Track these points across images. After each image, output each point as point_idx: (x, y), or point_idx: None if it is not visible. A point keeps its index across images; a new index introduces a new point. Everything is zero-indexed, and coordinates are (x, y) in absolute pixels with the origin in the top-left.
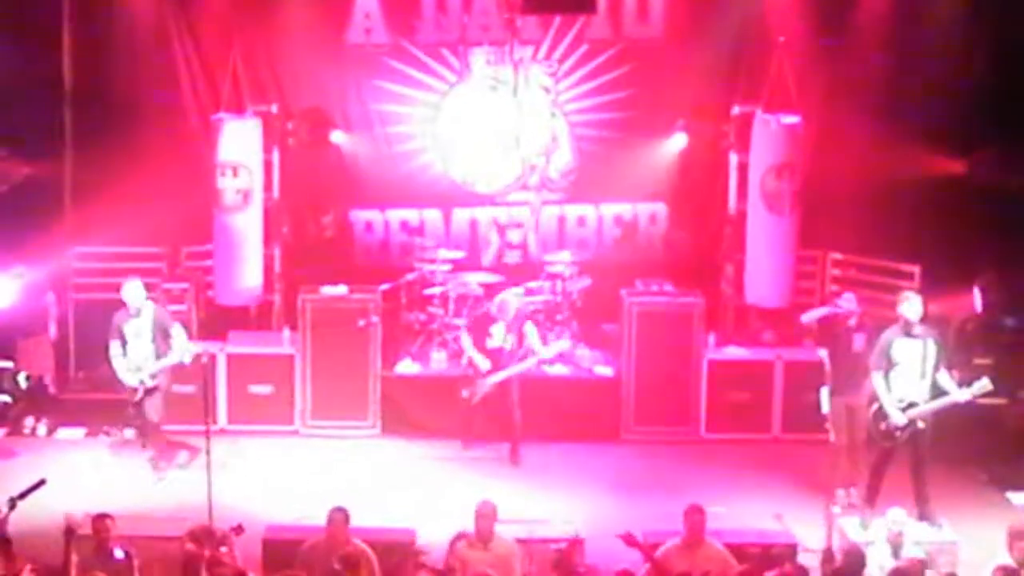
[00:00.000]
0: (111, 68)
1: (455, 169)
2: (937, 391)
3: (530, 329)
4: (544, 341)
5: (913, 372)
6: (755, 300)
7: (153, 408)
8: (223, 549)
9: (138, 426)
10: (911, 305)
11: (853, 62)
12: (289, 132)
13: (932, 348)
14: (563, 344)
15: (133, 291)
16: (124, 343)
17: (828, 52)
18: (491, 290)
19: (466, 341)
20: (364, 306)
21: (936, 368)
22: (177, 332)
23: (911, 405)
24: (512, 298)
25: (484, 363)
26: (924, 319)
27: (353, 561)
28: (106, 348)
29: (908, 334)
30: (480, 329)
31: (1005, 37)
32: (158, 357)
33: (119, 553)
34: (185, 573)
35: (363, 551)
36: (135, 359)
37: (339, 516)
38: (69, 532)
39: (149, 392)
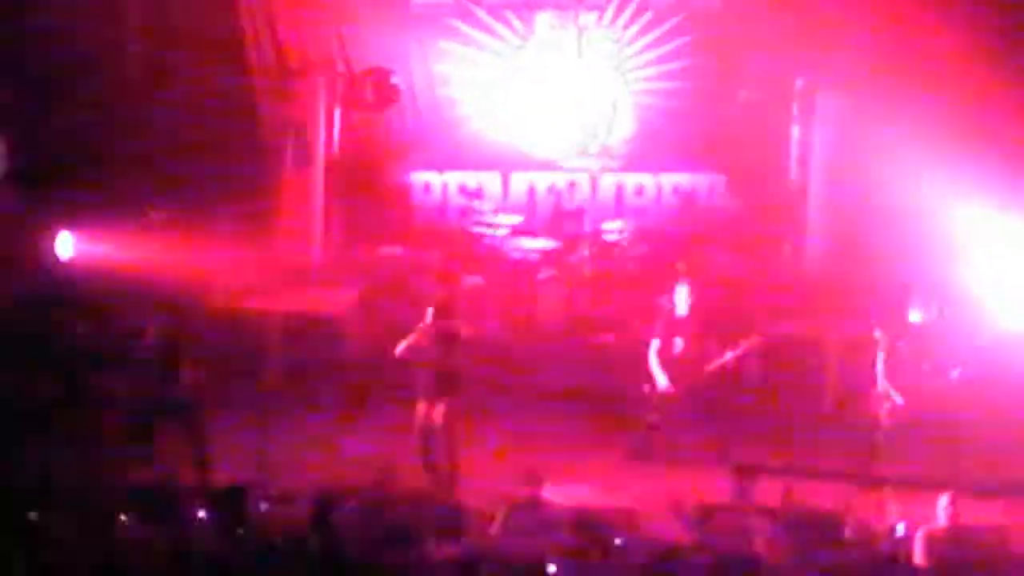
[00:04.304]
0: (176, 25)
1: (515, 133)
2: None
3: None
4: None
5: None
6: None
7: None
8: None
9: None
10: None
11: (918, 34)
12: (352, 92)
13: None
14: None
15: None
16: None
17: (893, 24)
18: (547, 256)
19: (652, 356)
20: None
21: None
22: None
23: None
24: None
25: (662, 379)
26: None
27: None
28: None
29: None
30: (663, 326)
31: None
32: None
33: None
34: None
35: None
36: None
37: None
38: None
39: None
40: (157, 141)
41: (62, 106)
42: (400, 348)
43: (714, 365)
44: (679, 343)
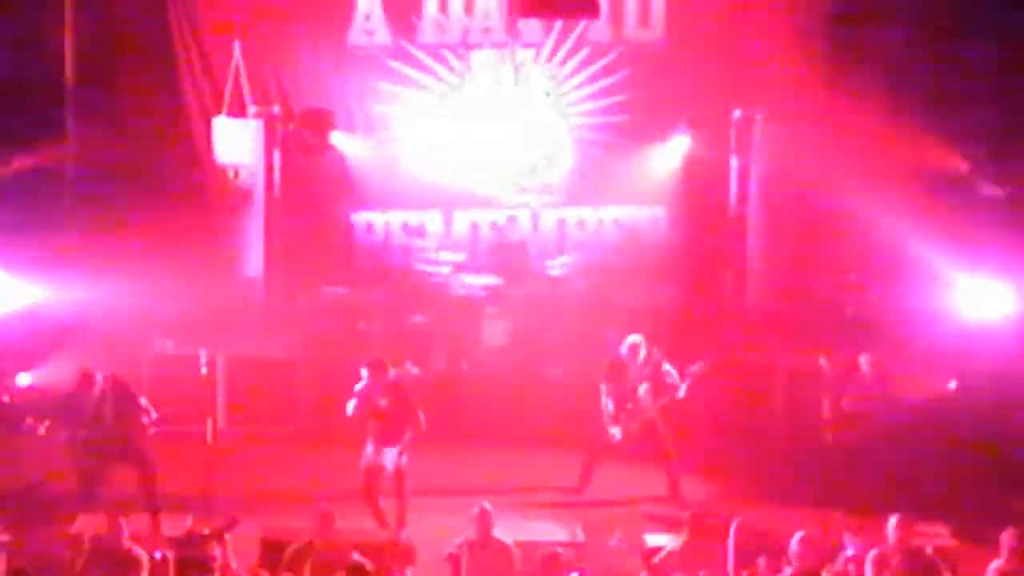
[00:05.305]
0: (113, 65)
1: (455, 171)
2: None
3: (668, 367)
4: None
5: None
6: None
7: None
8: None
9: None
10: None
11: (853, 65)
12: (290, 133)
13: None
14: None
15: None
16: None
17: (828, 54)
18: (492, 292)
19: (605, 398)
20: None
21: None
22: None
23: None
24: (641, 340)
25: (615, 429)
26: None
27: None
28: None
29: None
30: (614, 372)
31: None
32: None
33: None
34: None
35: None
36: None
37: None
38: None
39: None
40: (96, 185)
41: None
42: (350, 409)
43: (665, 400)
44: (629, 387)
